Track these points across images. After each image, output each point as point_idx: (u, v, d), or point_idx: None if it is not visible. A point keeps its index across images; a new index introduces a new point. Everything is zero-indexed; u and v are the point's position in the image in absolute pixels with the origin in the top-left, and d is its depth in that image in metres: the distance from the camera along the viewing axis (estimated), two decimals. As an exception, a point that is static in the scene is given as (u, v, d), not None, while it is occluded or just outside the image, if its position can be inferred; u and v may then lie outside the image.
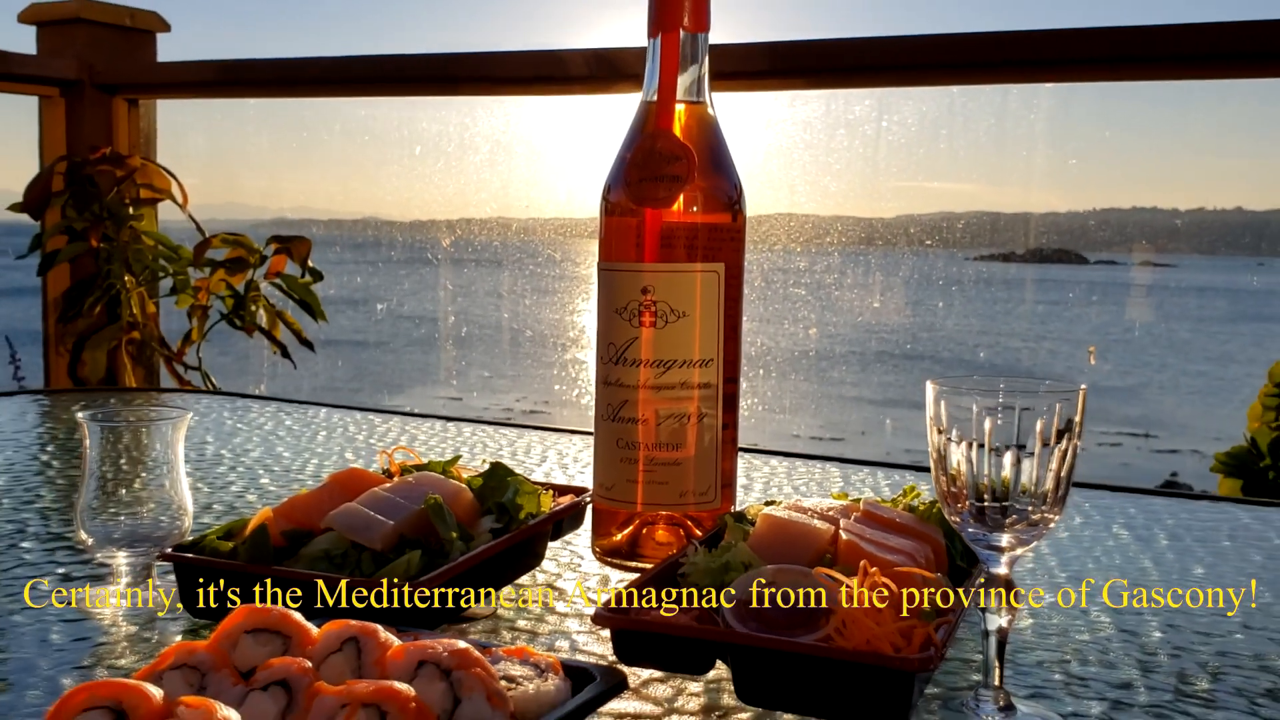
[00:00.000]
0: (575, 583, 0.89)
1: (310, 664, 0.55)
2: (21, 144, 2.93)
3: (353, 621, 0.58)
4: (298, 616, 0.59)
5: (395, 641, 0.57)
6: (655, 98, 0.88)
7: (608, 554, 0.92)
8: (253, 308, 2.75)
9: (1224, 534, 1.06)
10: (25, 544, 0.94)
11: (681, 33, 0.87)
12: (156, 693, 0.51)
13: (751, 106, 2.50)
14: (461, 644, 0.56)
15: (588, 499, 0.93)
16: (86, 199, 2.71)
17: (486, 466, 0.89)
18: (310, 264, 2.72)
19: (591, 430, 0.93)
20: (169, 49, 2.95)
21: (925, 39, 2.11)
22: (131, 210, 2.74)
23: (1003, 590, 0.62)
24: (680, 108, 0.88)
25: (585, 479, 1.18)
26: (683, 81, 0.89)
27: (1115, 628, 0.81)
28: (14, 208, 2.74)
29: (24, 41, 3.02)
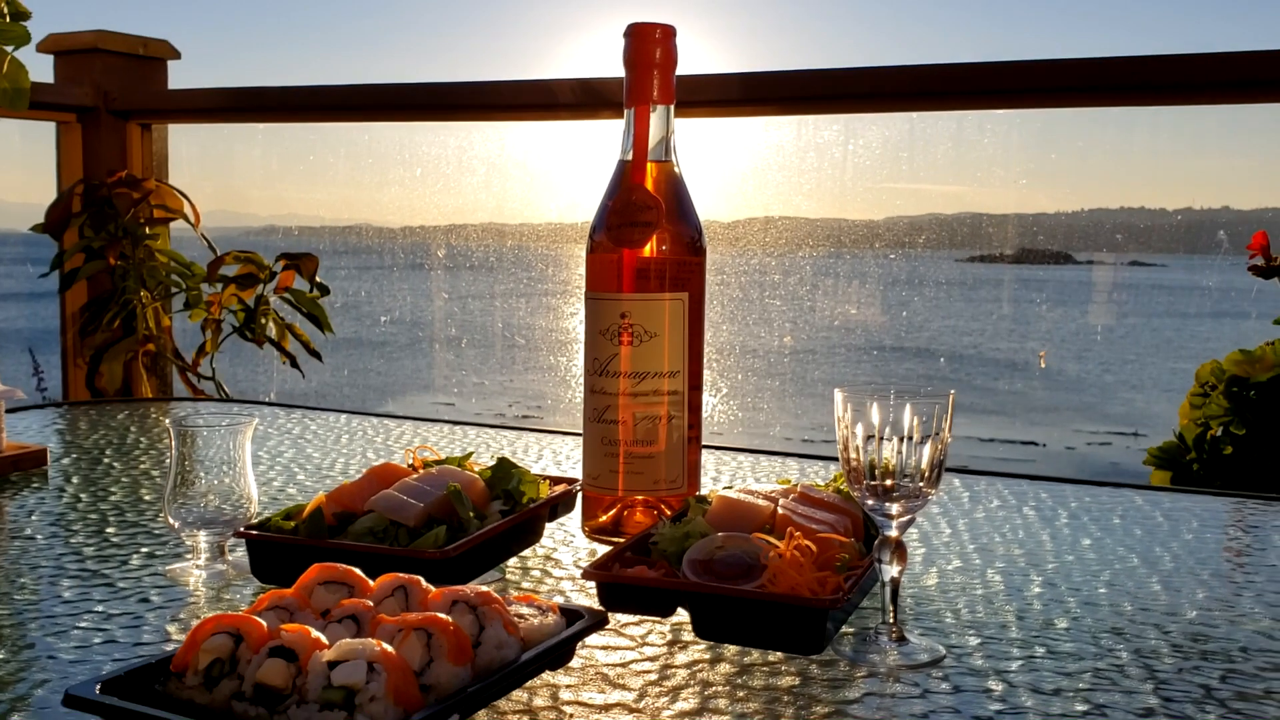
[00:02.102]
0: (571, 560, 1.08)
1: (371, 604, 0.74)
2: (40, 167, 3.10)
3: (401, 574, 0.77)
4: (358, 571, 0.78)
5: (433, 589, 0.76)
6: (630, 157, 1.08)
7: (596, 532, 1.11)
8: (263, 321, 2.92)
9: (1116, 514, 1.26)
10: (109, 530, 1.13)
11: (651, 106, 1.07)
12: (263, 622, 0.70)
13: (727, 132, 2.69)
14: (484, 588, 0.75)
15: (578, 487, 1.12)
16: (104, 219, 2.89)
17: (494, 461, 1.08)
18: (317, 279, 2.90)
19: (578, 431, 1.12)
20: (179, 76, 3.13)
21: (886, 70, 2.30)
22: (146, 230, 2.92)
23: (894, 548, 0.81)
24: (650, 166, 1.07)
25: (576, 472, 1.37)
26: (652, 143, 1.08)
27: (1004, 586, 1.00)
28: (36, 228, 2.92)
29: (43, 70, 3.19)
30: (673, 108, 1.08)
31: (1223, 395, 1.93)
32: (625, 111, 1.08)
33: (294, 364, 2.92)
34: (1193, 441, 2.01)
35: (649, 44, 1.07)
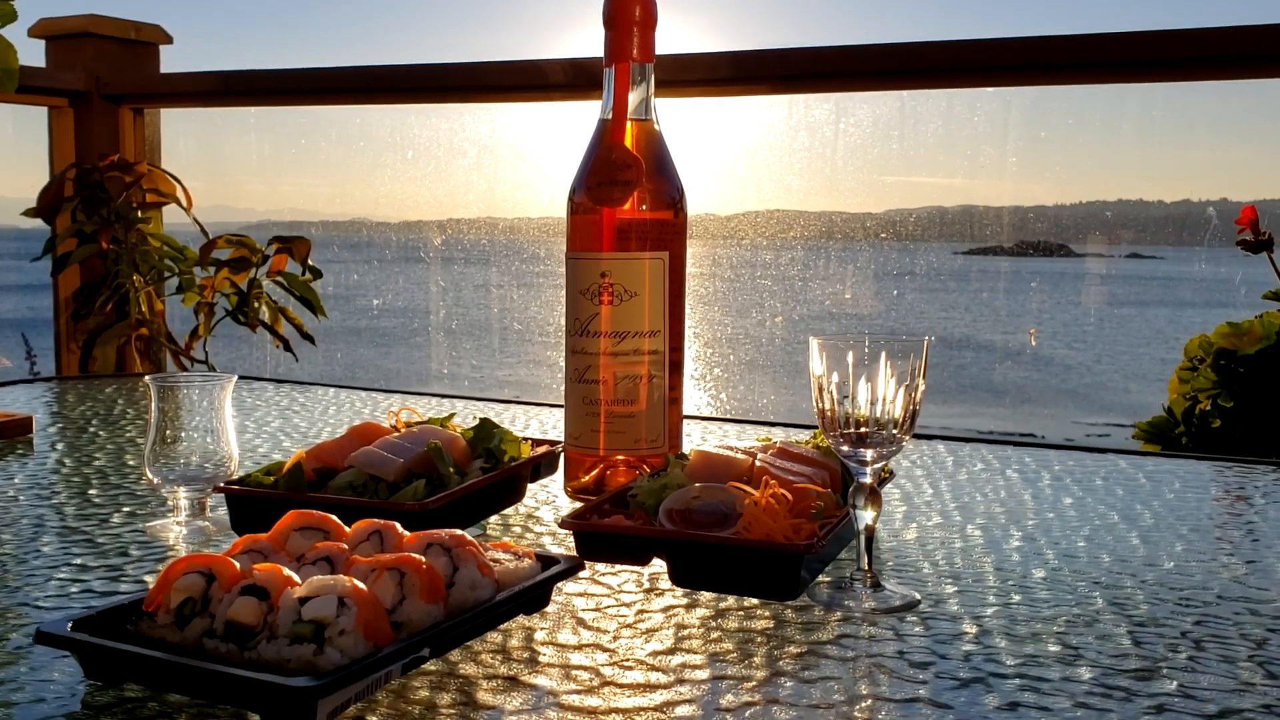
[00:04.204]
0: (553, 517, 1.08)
1: (346, 547, 0.74)
2: (32, 152, 3.10)
3: (377, 519, 0.77)
4: (334, 518, 0.78)
5: (408, 534, 0.76)
6: (610, 116, 1.08)
7: (578, 492, 1.11)
8: (256, 304, 2.92)
9: (1099, 476, 1.26)
10: (91, 492, 1.13)
11: (631, 64, 1.07)
12: (236, 563, 0.70)
13: (718, 111, 2.69)
14: (459, 532, 0.75)
15: (560, 448, 1.12)
16: (96, 203, 2.89)
17: (476, 422, 1.08)
18: (310, 262, 2.90)
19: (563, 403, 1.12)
20: (171, 60, 3.13)
21: (876, 48, 2.30)
22: (139, 214, 2.91)
23: (868, 494, 0.82)
24: (630, 124, 1.07)
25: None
26: (632, 102, 1.08)
27: (983, 540, 1.00)
28: (28, 213, 2.92)
29: (34, 55, 3.19)
30: (652, 66, 1.08)
31: (1210, 368, 1.93)
32: (605, 71, 1.09)
33: (287, 347, 2.92)
34: (1181, 415, 2.01)
35: (629, 1, 1.07)
